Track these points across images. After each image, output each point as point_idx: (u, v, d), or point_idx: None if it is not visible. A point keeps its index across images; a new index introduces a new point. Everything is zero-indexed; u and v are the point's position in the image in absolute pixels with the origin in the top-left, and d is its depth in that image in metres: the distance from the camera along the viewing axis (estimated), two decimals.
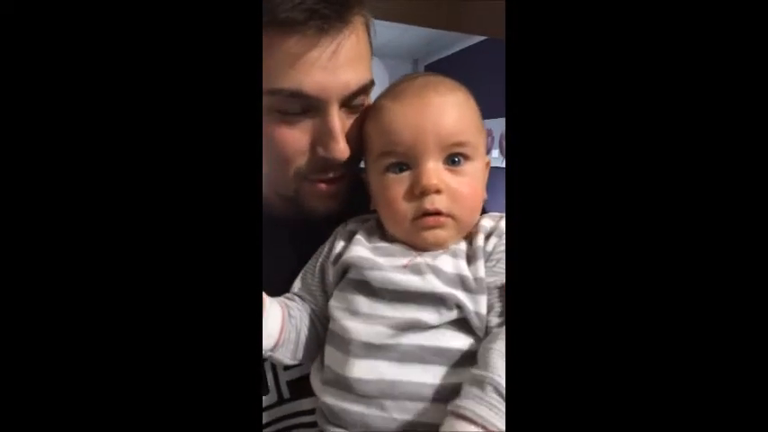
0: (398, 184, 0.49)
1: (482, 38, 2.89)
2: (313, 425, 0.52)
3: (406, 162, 0.49)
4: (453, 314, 0.45)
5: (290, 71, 0.50)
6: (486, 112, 0.54)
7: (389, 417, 0.44)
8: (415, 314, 0.45)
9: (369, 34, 0.57)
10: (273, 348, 0.51)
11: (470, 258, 0.48)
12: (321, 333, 0.54)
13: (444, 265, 0.47)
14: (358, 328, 0.47)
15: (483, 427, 0.37)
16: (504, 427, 0.37)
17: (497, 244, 0.48)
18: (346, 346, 0.47)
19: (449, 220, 0.49)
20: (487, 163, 0.54)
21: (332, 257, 0.53)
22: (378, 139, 0.51)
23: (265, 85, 0.50)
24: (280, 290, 0.56)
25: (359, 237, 0.52)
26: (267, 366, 0.58)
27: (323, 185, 0.57)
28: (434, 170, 0.48)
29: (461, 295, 0.45)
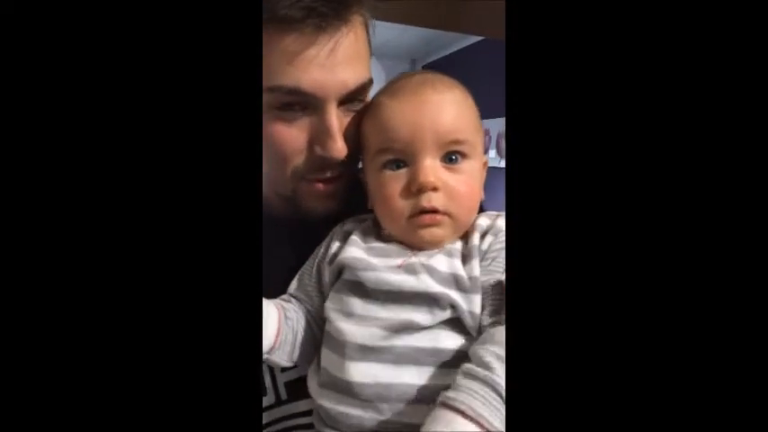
0: (395, 181, 0.49)
1: (479, 38, 2.89)
2: (310, 426, 0.52)
3: (404, 159, 0.49)
4: (447, 314, 0.45)
5: (288, 68, 0.50)
6: (483, 113, 0.54)
7: (386, 420, 0.44)
8: (408, 315, 0.45)
9: (368, 34, 0.57)
10: (270, 351, 0.51)
11: (465, 257, 0.48)
12: (318, 334, 0.53)
13: (439, 265, 0.47)
14: (352, 330, 0.46)
15: (479, 423, 0.36)
16: (501, 426, 0.36)
17: (493, 243, 0.48)
18: (341, 348, 0.46)
19: (445, 219, 0.48)
20: (485, 162, 0.54)
21: (327, 258, 0.53)
22: (375, 136, 0.51)
23: (263, 83, 0.50)
24: (278, 290, 0.56)
25: (354, 237, 0.52)
26: (264, 368, 0.58)
27: (320, 185, 0.57)
28: (432, 168, 0.48)
29: (455, 295, 0.45)
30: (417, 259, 0.48)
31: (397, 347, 0.45)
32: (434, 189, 0.48)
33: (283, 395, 0.59)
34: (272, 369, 0.58)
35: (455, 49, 3.47)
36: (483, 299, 0.45)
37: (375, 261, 0.49)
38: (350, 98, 0.54)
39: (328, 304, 0.50)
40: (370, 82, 0.56)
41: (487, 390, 0.38)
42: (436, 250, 0.49)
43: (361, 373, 0.45)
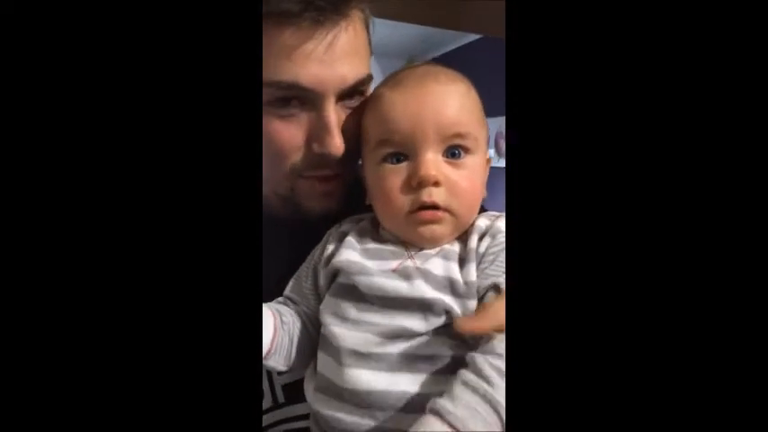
0: (395, 174, 0.48)
1: (477, 36, 2.89)
2: (307, 430, 0.51)
3: (404, 152, 0.48)
4: (441, 320, 0.44)
5: (285, 63, 0.50)
6: None
7: (381, 426, 0.43)
8: (402, 321, 0.44)
9: (368, 29, 0.57)
10: (267, 356, 0.50)
11: (462, 261, 0.47)
12: (315, 337, 0.53)
13: (434, 268, 0.46)
14: (346, 335, 0.46)
15: (452, 426, 0.35)
16: None
17: (490, 245, 0.47)
18: (336, 353, 0.46)
19: (446, 215, 0.47)
20: (488, 159, 0.52)
21: (323, 260, 0.52)
22: (375, 128, 0.50)
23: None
24: (277, 290, 0.55)
25: (350, 239, 0.51)
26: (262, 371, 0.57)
27: (319, 183, 0.56)
28: (433, 161, 0.47)
29: (449, 300, 0.44)
30: (413, 262, 0.47)
31: (391, 354, 0.44)
32: (436, 184, 0.46)
33: (281, 398, 0.58)
34: (269, 372, 0.58)
35: (452, 47, 3.47)
36: (477, 303, 0.44)
37: (370, 264, 0.48)
38: (349, 94, 0.54)
39: (323, 307, 0.50)
40: (370, 78, 0.56)
41: (487, 407, 0.36)
42: (433, 252, 0.48)
43: (356, 379, 0.44)
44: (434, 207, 0.47)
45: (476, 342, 0.42)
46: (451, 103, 0.48)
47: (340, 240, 0.52)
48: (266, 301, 0.53)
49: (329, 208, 0.58)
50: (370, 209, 0.54)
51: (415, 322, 0.44)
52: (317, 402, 0.47)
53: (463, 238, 0.49)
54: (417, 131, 0.47)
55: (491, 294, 0.44)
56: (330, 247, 0.52)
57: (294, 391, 0.57)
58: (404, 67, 0.54)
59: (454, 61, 3.43)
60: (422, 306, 0.44)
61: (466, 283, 0.45)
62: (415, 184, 0.47)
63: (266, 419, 0.58)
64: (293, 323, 0.52)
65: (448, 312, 0.44)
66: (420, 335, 0.44)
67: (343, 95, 0.53)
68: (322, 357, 0.48)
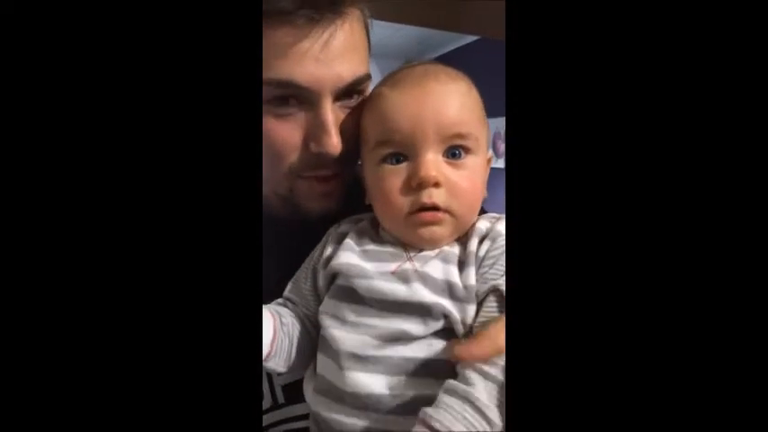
0: (395, 175, 0.47)
1: (475, 37, 2.89)
2: (307, 430, 0.51)
3: (404, 152, 0.47)
4: (440, 324, 0.44)
5: (281, 62, 0.49)
6: None
7: (380, 429, 0.43)
8: (400, 325, 0.44)
9: (366, 28, 0.56)
10: (266, 358, 0.49)
11: (462, 264, 0.46)
12: (314, 338, 0.52)
13: (433, 271, 0.46)
14: (344, 338, 0.45)
15: (432, 428, 0.36)
16: None
17: (490, 248, 0.46)
18: (336, 356, 0.46)
19: (446, 217, 0.47)
20: (489, 159, 0.52)
21: (322, 262, 0.52)
22: (374, 128, 0.50)
23: None
24: (277, 291, 0.55)
25: (349, 240, 0.51)
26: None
27: (318, 184, 0.56)
28: (433, 162, 0.46)
29: (448, 304, 0.44)
30: (412, 265, 0.47)
31: (390, 358, 0.44)
32: (436, 184, 0.46)
33: (280, 398, 0.58)
34: (269, 373, 0.57)
35: (450, 48, 3.47)
36: (477, 307, 0.44)
37: (368, 267, 0.48)
38: (346, 92, 0.53)
39: (323, 309, 0.50)
40: (368, 77, 0.55)
41: (466, 406, 0.37)
42: (432, 254, 0.48)
43: (355, 382, 0.44)
44: (434, 208, 0.46)
45: None
46: (452, 102, 0.47)
47: (339, 241, 0.52)
48: (266, 302, 0.53)
49: (328, 208, 0.57)
50: (369, 209, 0.53)
51: (413, 326, 0.44)
52: (317, 404, 0.47)
53: (463, 240, 0.49)
54: (417, 131, 0.46)
55: (490, 317, 0.44)
56: (329, 249, 0.52)
57: (294, 392, 0.56)
58: (402, 66, 0.53)
59: (452, 62, 3.42)
60: (420, 310, 0.44)
61: (465, 286, 0.45)
62: (415, 184, 0.46)
63: (266, 419, 0.57)
64: (293, 324, 0.52)
65: (447, 316, 0.44)
66: (419, 338, 0.44)
67: (341, 94, 0.53)
68: (322, 359, 0.48)
